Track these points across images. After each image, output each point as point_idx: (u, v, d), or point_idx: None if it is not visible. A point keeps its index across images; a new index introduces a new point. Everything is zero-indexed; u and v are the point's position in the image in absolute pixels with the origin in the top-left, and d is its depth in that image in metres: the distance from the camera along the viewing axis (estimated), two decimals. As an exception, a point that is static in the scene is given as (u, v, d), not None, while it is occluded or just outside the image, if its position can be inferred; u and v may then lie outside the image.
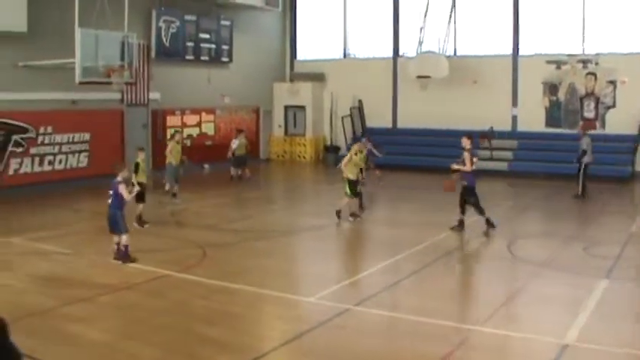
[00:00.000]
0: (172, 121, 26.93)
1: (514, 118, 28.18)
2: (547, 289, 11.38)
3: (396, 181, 24.55)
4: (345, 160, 17.11)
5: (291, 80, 32.82)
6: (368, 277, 12.09)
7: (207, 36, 28.13)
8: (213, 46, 28.49)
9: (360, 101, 31.21)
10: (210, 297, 10.80)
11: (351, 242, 15.47)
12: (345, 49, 32.27)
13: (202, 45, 27.96)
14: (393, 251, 14.04)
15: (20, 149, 21.34)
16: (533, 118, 27.54)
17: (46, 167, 21.94)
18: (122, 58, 20.55)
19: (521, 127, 27.97)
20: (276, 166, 30.90)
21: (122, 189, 12.72)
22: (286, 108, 32.29)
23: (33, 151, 21.69)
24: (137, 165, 16.02)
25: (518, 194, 22.20)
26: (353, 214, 16.95)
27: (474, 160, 15.52)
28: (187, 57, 27.35)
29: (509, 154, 26.98)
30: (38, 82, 21.57)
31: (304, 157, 31.78)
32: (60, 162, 22.46)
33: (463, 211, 15.62)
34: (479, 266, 13.48)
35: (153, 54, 25.57)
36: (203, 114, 28.49)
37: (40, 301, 10.42)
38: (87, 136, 23.29)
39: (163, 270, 12.22)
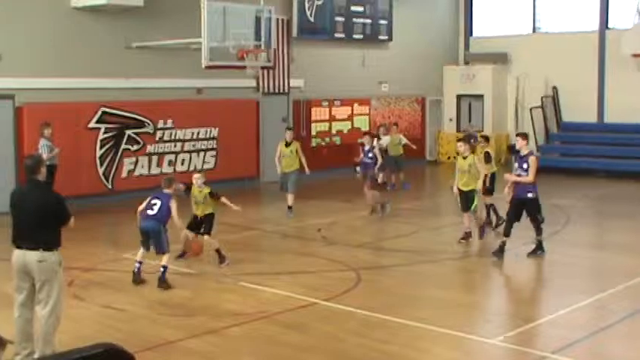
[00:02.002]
0: (318, 113, 27.32)
1: None
2: None
3: (603, 191, 23.71)
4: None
5: (466, 62, 32.55)
6: (568, 316, 11.62)
7: (360, 9, 28.36)
8: (368, 21, 28.68)
9: (554, 88, 30.47)
10: (366, 333, 10.74)
11: (543, 270, 15.00)
12: (534, 22, 31.62)
13: (355, 20, 28.21)
14: (601, 283, 13.53)
15: (135, 147, 22.28)
16: None
17: (166, 168, 22.71)
18: (257, 37, 20.93)
19: None
20: (446, 169, 30.57)
21: (173, 205, 12.92)
22: (459, 97, 32.08)
23: (150, 149, 22.57)
24: (188, 189, 15.02)
25: None
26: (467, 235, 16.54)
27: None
28: (337, 35, 27.67)
29: None
30: (156, 66, 22.47)
31: (481, 160, 31.32)
32: (182, 162, 23.25)
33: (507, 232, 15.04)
34: None
35: (294, 32, 26.05)
36: (355, 105, 28.70)
37: (159, 332, 10.73)
38: (214, 131, 24.02)
39: (308, 297, 12.30)
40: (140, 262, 13.17)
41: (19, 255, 9.17)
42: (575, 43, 29.87)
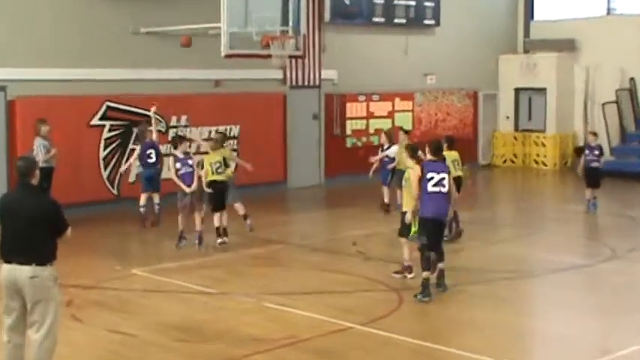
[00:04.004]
0: (354, 109, 27.38)
1: None
2: None
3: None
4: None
5: (526, 51, 32.42)
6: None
7: (403, -10, 28.39)
8: (412, 3, 28.67)
9: (632, 80, 30.27)
10: (408, 363, 10.72)
11: (617, 292, 14.81)
12: (609, 2, 31.42)
13: (397, 2, 28.19)
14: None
15: (146, 146, 22.35)
16: None
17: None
18: (284, 22, 20.94)
19: None
20: (502, 174, 30.55)
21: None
22: (518, 91, 32.04)
23: (162, 149, 22.55)
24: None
25: None
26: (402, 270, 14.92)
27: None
28: (375, 19, 27.71)
29: None
30: (168, 55, 22.52)
31: (544, 163, 31.20)
32: (199, 164, 23.19)
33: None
34: None
35: (327, 16, 26.03)
36: (397, 100, 28.68)
37: (170, 361, 10.75)
38: (235, 129, 24.10)
39: (342, 321, 12.26)
40: (145, 206, 18.63)
41: (9, 270, 9.12)
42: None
